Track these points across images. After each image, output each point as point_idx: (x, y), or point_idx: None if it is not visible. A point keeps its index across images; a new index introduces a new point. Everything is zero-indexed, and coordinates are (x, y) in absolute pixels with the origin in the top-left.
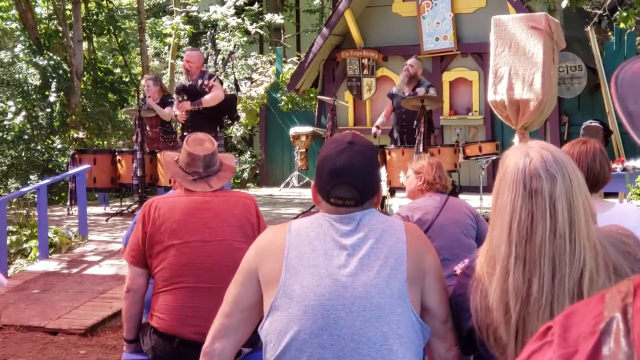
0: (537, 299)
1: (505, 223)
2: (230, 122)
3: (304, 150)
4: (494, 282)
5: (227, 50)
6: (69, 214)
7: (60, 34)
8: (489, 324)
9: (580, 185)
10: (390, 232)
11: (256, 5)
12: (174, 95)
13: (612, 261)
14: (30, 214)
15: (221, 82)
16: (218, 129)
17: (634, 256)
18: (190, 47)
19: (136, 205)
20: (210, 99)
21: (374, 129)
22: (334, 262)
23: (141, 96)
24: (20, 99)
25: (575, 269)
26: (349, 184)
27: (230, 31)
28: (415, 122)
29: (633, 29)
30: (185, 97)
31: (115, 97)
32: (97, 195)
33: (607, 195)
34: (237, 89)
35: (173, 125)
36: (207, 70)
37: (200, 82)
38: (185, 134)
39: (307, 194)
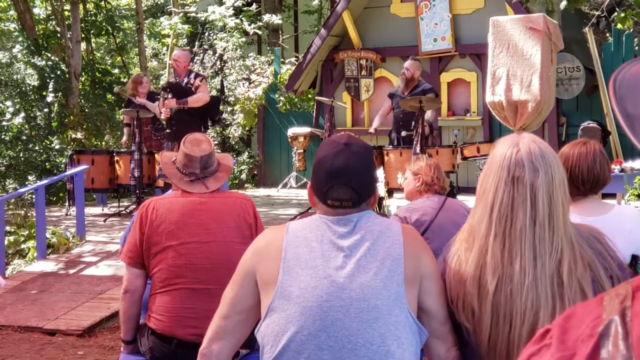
0: (520, 280)
1: (488, 204)
2: (211, 124)
3: (301, 151)
4: (471, 256)
5: (225, 50)
6: (67, 214)
7: (59, 35)
8: (459, 294)
9: (562, 183)
10: (388, 234)
11: (254, 5)
12: (161, 93)
13: (587, 256)
14: (28, 214)
15: (214, 84)
16: (203, 129)
17: (604, 254)
18: (181, 47)
19: (134, 206)
20: (196, 100)
21: (370, 130)
22: (331, 263)
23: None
24: (18, 100)
25: (553, 259)
26: (346, 185)
27: (229, 32)
28: (413, 122)
29: (631, 30)
30: (170, 95)
31: (113, 97)
32: (95, 196)
33: (605, 196)
34: (222, 91)
35: (164, 122)
36: (193, 69)
37: (186, 80)
38: (168, 131)
39: (305, 194)
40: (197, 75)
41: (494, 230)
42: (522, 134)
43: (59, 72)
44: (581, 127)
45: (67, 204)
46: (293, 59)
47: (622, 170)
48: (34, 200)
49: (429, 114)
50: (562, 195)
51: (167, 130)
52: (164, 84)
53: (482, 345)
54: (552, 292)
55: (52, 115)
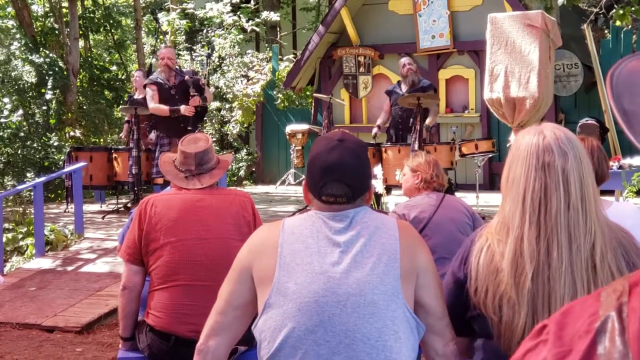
0: (558, 267)
1: (519, 194)
2: (200, 123)
3: (300, 147)
4: (507, 247)
5: (223, 48)
6: (65, 211)
7: (57, 32)
8: (488, 286)
9: (589, 165)
10: (383, 230)
11: (252, 2)
12: (191, 90)
13: (613, 242)
14: (27, 211)
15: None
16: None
17: (626, 246)
18: (167, 45)
19: (132, 203)
20: (209, 98)
21: (374, 130)
22: (328, 259)
23: (134, 94)
24: (16, 97)
25: (587, 241)
26: (340, 181)
27: (226, 29)
28: (411, 119)
29: (629, 26)
30: (192, 91)
31: (111, 94)
32: (93, 193)
33: (603, 193)
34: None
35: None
36: (180, 67)
37: (187, 77)
38: (155, 133)
39: None
40: (194, 72)
41: (528, 218)
42: (543, 123)
43: (57, 69)
44: (579, 124)
45: (65, 201)
46: (291, 56)
47: (620, 167)
48: (32, 197)
49: (429, 120)
50: (591, 178)
51: (160, 134)
52: (192, 83)
53: (515, 335)
54: (587, 275)
55: (50, 113)
